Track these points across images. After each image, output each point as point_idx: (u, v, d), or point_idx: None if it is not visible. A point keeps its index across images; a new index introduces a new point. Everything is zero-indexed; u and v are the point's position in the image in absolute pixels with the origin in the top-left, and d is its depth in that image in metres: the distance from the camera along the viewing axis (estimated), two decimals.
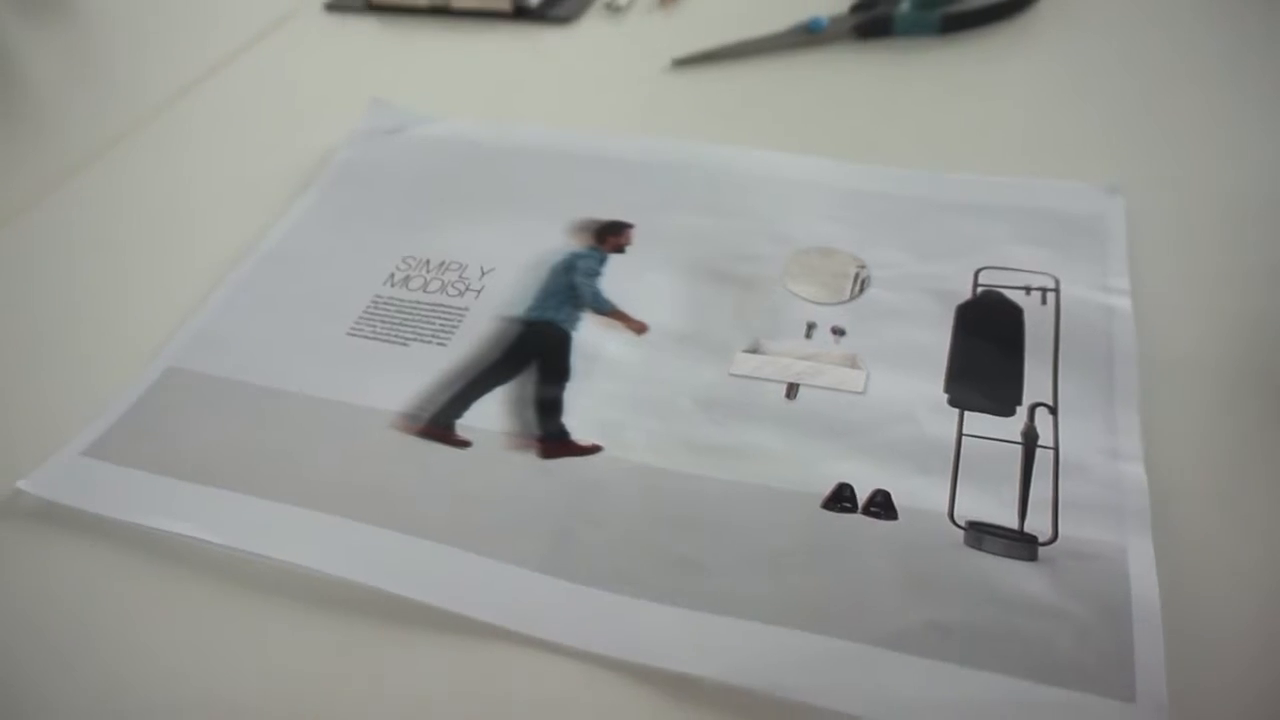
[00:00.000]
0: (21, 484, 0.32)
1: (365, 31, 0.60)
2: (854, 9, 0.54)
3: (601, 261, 0.39)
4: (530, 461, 0.31)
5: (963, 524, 0.28)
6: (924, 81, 0.49)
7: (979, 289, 0.36)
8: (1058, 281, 0.36)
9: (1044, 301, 0.35)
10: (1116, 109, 0.45)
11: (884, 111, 0.47)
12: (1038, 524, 0.28)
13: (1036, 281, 0.36)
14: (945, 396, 0.32)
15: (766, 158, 0.44)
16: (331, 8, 0.63)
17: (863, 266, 0.37)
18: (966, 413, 0.31)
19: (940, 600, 0.26)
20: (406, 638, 0.27)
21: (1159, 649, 0.25)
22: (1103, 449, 0.30)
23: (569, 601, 0.27)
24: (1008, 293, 0.35)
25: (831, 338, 0.35)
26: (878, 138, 0.45)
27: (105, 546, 0.30)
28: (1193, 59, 0.48)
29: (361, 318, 0.37)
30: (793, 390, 0.33)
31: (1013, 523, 0.28)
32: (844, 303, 0.36)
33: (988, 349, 0.33)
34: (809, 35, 0.52)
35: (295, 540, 0.29)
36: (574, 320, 0.36)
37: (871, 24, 0.52)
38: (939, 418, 0.31)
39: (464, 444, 0.32)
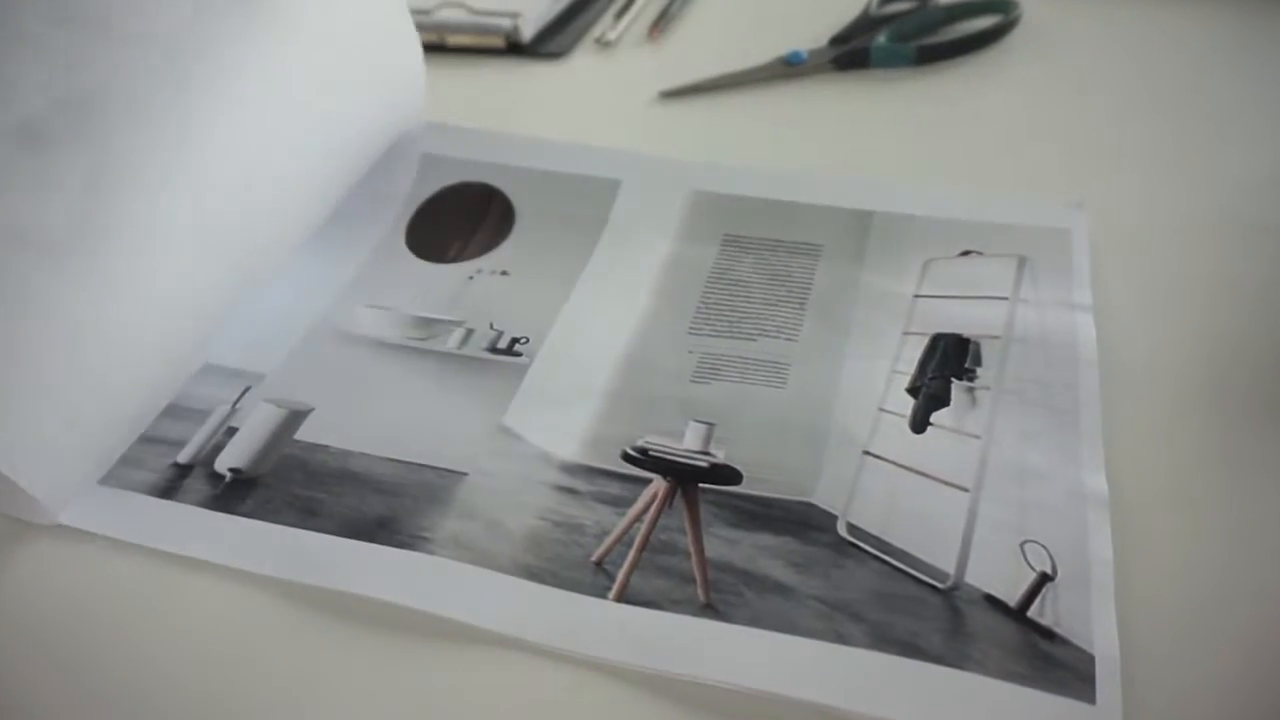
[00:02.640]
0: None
1: None
2: (832, 42, 0.56)
3: None
4: None
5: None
6: (900, 111, 0.51)
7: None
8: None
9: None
10: (1084, 134, 0.47)
11: (861, 139, 0.49)
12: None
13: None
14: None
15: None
16: None
17: None
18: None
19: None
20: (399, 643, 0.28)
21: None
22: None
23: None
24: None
25: None
26: (855, 164, 0.46)
27: (120, 566, 0.32)
28: (1158, 86, 0.50)
29: None
30: None
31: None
32: None
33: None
34: (790, 68, 0.54)
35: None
36: None
37: (849, 56, 0.54)
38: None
39: None
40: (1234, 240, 0.40)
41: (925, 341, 0.36)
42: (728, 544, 0.30)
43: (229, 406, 0.37)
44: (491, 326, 0.39)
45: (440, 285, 0.42)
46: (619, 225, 0.44)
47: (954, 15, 0.56)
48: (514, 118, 0.55)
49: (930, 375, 0.35)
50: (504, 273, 0.42)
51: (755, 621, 0.27)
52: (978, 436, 0.33)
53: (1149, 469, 0.31)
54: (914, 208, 0.42)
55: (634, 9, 0.63)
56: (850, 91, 0.53)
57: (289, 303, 0.42)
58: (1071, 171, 0.44)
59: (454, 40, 0.61)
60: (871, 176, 0.45)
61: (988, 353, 0.35)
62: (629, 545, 0.30)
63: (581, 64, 0.59)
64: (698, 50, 0.58)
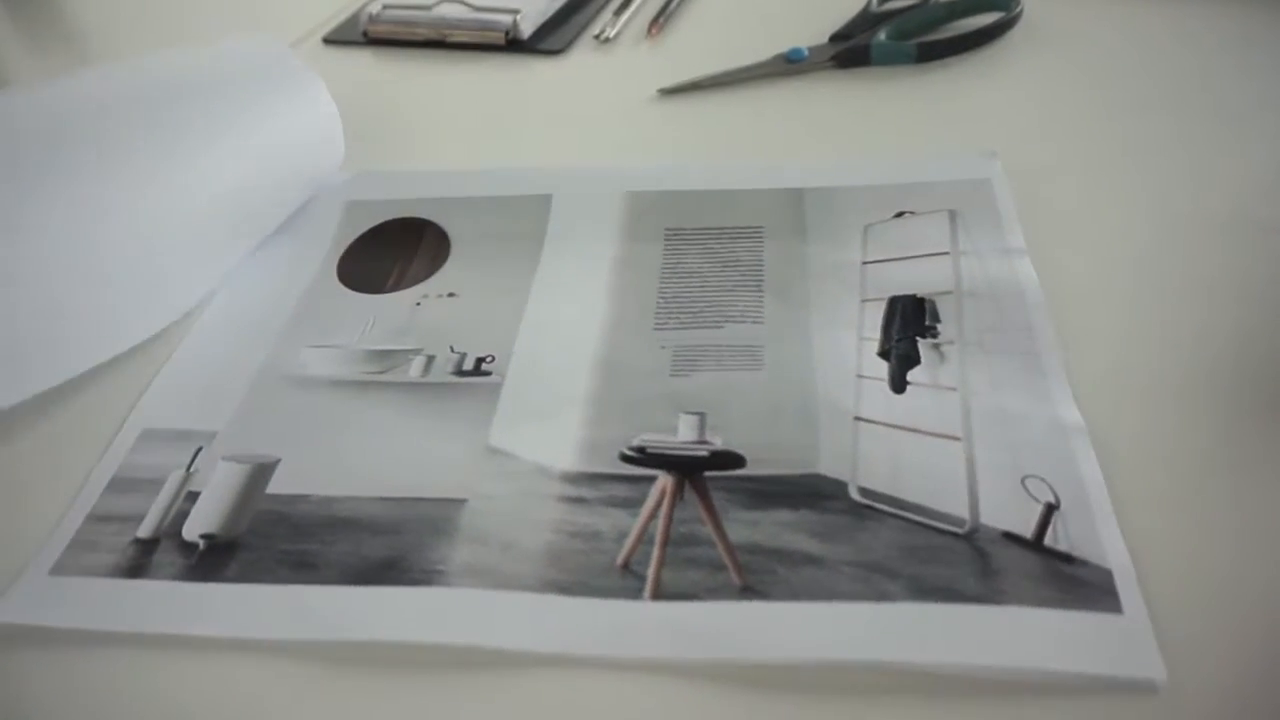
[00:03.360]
0: None
1: (362, 64, 0.61)
2: (833, 39, 0.56)
3: None
4: None
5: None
6: (901, 108, 0.51)
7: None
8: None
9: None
10: (1085, 132, 0.47)
11: (862, 137, 0.49)
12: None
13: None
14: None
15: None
16: (330, 41, 0.63)
17: None
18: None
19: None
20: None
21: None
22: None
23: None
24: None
25: None
26: (853, 160, 0.46)
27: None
28: (1159, 83, 0.50)
29: None
30: None
31: None
32: None
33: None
34: (790, 65, 0.54)
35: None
36: None
37: (849, 54, 0.54)
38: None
39: None
40: (1237, 239, 0.39)
41: (883, 306, 0.37)
42: (749, 526, 0.30)
43: (184, 470, 0.34)
44: (452, 350, 0.38)
45: (386, 316, 0.40)
46: (559, 236, 0.43)
47: (954, 12, 0.56)
48: (512, 115, 0.54)
49: (896, 338, 0.36)
50: (451, 295, 0.41)
51: (796, 595, 0.28)
52: (954, 389, 0.34)
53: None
54: (841, 180, 0.44)
55: (633, 6, 0.63)
56: (851, 89, 0.53)
57: (224, 354, 0.39)
58: (1071, 169, 0.44)
59: (453, 37, 0.60)
60: (797, 156, 0.47)
61: (944, 308, 0.37)
62: (650, 543, 0.30)
63: (580, 61, 0.59)
64: (697, 48, 0.58)
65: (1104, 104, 0.49)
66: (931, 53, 0.54)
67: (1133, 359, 0.34)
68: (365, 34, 0.62)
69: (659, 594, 0.28)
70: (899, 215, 0.42)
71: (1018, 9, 0.55)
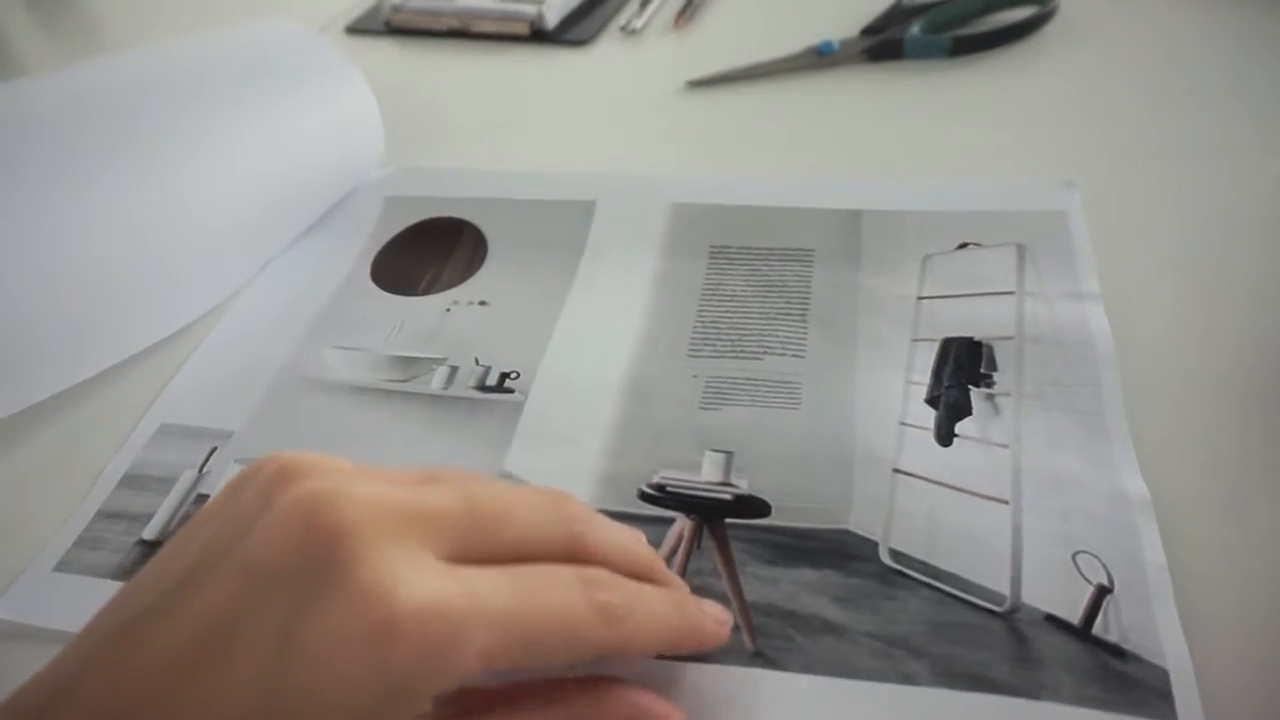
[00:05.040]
0: None
1: (385, 53, 0.61)
2: (865, 32, 0.54)
3: None
4: None
5: None
6: (934, 102, 0.49)
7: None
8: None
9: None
10: (1121, 130, 0.45)
11: (895, 132, 0.47)
12: None
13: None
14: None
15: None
16: (352, 30, 0.63)
17: None
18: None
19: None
20: None
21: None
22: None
23: None
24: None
25: None
26: (887, 157, 0.45)
27: None
28: (1195, 81, 0.48)
29: None
30: None
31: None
32: None
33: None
34: (821, 58, 0.53)
35: None
36: None
37: (882, 47, 0.53)
38: None
39: None
40: (1273, 240, 0.38)
41: (936, 348, 0.35)
42: (767, 583, 0.28)
43: (196, 471, 0.34)
44: (477, 362, 0.37)
45: (414, 320, 0.39)
46: (599, 246, 0.41)
47: (989, 6, 0.54)
48: (537, 107, 0.53)
49: (947, 384, 0.34)
50: (482, 303, 0.39)
51: (810, 667, 0.26)
52: (1006, 445, 0.31)
53: (1184, 465, 0.30)
54: (902, 203, 0.41)
55: None
56: (885, 83, 0.51)
57: (248, 352, 0.38)
58: (1109, 167, 0.42)
59: (478, 27, 0.60)
60: (855, 174, 0.44)
61: (1002, 355, 0.34)
62: None
63: (606, 52, 0.58)
64: (724, 40, 0.57)
65: (1138, 99, 0.47)
66: (966, 47, 0.52)
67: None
68: (388, 23, 0.62)
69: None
70: (962, 246, 0.39)
71: (1052, 4, 0.53)
